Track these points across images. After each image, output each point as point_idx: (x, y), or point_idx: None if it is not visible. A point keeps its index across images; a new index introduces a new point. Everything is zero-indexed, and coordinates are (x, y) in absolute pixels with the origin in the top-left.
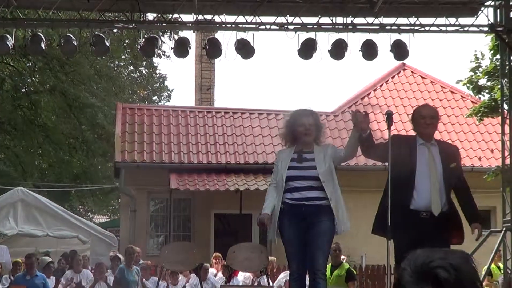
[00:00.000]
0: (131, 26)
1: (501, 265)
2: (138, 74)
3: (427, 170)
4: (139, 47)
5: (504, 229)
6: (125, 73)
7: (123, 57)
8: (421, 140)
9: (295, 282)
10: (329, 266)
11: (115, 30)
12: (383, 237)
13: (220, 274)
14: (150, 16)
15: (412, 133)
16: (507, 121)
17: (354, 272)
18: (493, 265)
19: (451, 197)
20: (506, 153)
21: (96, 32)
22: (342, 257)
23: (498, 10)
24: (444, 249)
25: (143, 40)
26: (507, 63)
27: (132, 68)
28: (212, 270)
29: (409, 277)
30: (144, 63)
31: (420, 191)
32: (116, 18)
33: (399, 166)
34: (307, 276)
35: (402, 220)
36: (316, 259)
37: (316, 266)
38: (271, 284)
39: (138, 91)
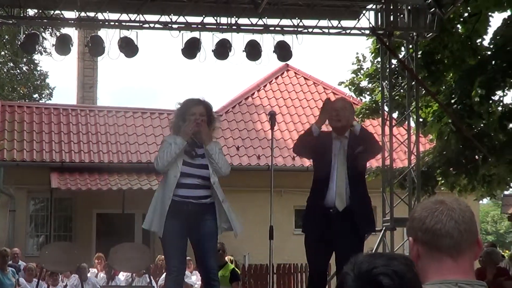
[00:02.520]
0: (11, 21)
1: None
2: (18, 71)
3: (336, 165)
4: (19, 43)
5: (384, 228)
6: (5, 70)
7: (2, 53)
8: (334, 134)
9: (173, 281)
10: None
11: None
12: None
13: (101, 274)
14: (31, 11)
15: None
16: (387, 122)
17: (238, 272)
18: None
19: (363, 188)
20: (386, 154)
21: None
22: (231, 257)
23: (379, 14)
24: (387, 255)
25: (24, 36)
26: (388, 66)
27: (12, 64)
28: (93, 270)
29: (352, 282)
30: (24, 59)
31: (330, 187)
32: None
33: (319, 163)
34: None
35: (315, 218)
36: (208, 260)
37: (208, 267)
38: (153, 283)
39: (18, 89)
